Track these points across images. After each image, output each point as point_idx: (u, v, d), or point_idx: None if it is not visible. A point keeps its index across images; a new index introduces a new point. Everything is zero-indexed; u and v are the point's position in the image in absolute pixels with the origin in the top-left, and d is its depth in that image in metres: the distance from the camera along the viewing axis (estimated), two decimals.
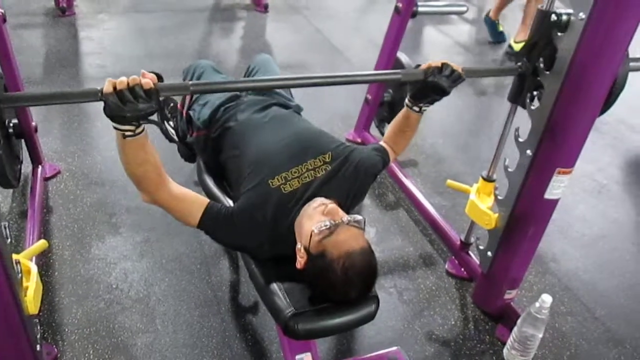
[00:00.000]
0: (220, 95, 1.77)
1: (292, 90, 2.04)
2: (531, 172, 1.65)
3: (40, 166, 2.40)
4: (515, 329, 1.76)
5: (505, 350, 1.82)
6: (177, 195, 1.38)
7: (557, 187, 1.62)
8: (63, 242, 2.09)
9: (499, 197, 1.81)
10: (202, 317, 1.85)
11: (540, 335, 1.71)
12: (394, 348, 1.75)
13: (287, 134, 1.57)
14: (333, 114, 3.12)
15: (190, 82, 1.27)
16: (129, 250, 2.08)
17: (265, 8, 4.58)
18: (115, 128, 1.20)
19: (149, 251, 2.09)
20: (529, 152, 1.62)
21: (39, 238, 2.03)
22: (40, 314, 1.74)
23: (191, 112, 1.82)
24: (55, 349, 1.68)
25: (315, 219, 1.32)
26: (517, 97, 1.68)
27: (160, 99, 1.20)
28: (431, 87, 1.47)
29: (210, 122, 1.73)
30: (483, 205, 1.87)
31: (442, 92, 1.49)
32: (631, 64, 1.64)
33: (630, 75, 1.71)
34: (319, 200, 1.39)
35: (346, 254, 1.25)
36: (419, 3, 2.41)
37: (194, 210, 1.39)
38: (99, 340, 1.73)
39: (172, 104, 2.26)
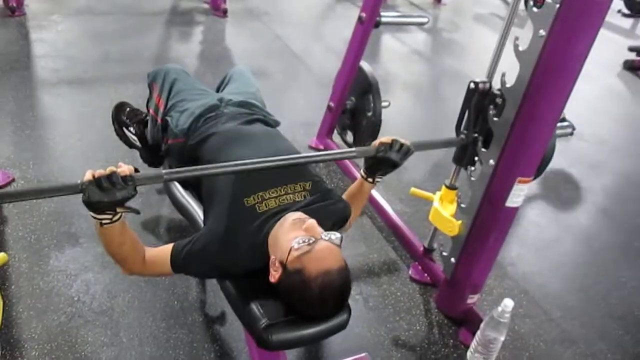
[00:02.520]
0: (201, 104, 1.75)
1: (251, 83, 2.06)
2: (493, 181, 1.71)
3: None
4: (478, 332, 1.82)
5: (468, 354, 1.88)
6: (150, 261, 1.41)
7: (518, 195, 1.69)
8: (19, 254, 2.01)
9: (462, 205, 1.87)
10: (168, 329, 1.82)
11: (502, 338, 1.77)
12: (363, 354, 1.77)
13: (269, 153, 1.55)
14: (294, 120, 3.13)
15: (164, 171, 1.32)
16: (90, 262, 2.03)
17: (224, 13, 4.55)
18: (94, 217, 1.25)
19: (111, 262, 1.95)
20: (491, 161, 1.68)
21: None
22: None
23: (168, 119, 1.78)
24: None
25: (293, 233, 1.31)
26: (461, 161, 1.86)
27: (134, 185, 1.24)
28: (382, 162, 1.56)
29: (188, 131, 1.71)
30: (446, 213, 1.92)
31: (394, 166, 1.57)
32: (559, 131, 1.78)
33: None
34: (296, 214, 1.38)
35: (324, 273, 1.26)
36: (382, 13, 2.45)
37: (164, 264, 1.41)
38: (61, 355, 1.68)
39: (128, 109, 2.21)
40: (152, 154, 2.06)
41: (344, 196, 1.70)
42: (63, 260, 2.02)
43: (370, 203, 2.56)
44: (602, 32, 1.44)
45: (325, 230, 1.35)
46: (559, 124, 1.67)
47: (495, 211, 1.74)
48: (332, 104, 2.79)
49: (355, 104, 2.77)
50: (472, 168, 1.81)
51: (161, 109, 1.85)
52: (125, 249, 1.35)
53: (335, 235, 1.33)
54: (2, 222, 2.15)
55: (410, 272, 2.23)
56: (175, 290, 1.96)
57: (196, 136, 1.70)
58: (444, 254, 1.97)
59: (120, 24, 4.17)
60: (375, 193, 2.56)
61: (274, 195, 1.46)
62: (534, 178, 1.72)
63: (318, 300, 1.28)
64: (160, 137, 1.85)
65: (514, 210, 1.74)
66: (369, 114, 2.64)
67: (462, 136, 1.77)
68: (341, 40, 2.62)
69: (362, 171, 1.65)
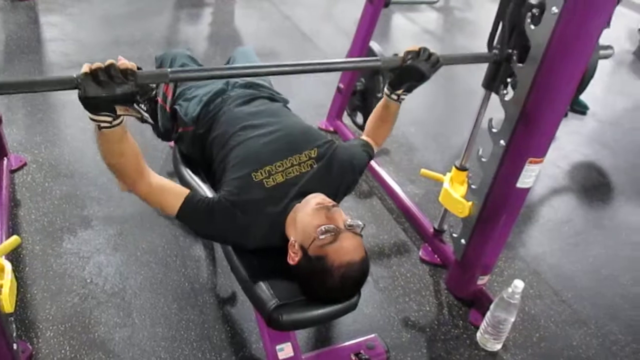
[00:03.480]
0: (208, 91, 1.74)
1: (255, 62, 2.03)
2: (504, 162, 1.69)
3: (5, 158, 2.32)
4: (488, 313, 1.82)
5: (478, 334, 1.88)
6: (156, 187, 1.36)
7: (529, 176, 1.67)
8: (33, 237, 2.04)
9: (473, 186, 1.85)
10: (180, 310, 1.84)
11: (512, 319, 1.77)
12: (372, 335, 1.78)
13: (274, 128, 1.55)
14: (304, 102, 3.10)
15: (169, 70, 1.23)
16: (102, 244, 2.05)
17: None
18: (91, 119, 1.16)
19: (122, 244, 2.06)
20: (502, 142, 1.66)
21: (8, 233, 1.97)
22: (14, 311, 1.70)
23: (177, 107, 1.78)
24: (30, 347, 1.64)
25: (317, 220, 1.31)
26: (492, 84, 1.71)
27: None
28: (410, 71, 1.48)
29: (198, 119, 1.71)
30: (457, 194, 1.91)
31: (421, 77, 1.49)
32: (601, 52, 1.67)
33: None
34: (319, 198, 1.37)
35: (347, 265, 1.27)
36: None
37: (173, 201, 1.37)
38: (75, 336, 1.71)
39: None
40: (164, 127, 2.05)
41: (368, 124, 1.71)
42: (76, 243, 2.04)
43: (381, 184, 2.56)
44: (618, 9, 1.41)
45: (343, 192, 1.38)
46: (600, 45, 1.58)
47: (506, 192, 1.73)
48: (342, 86, 2.77)
49: (365, 85, 2.74)
50: (505, 91, 1.68)
51: (169, 97, 1.83)
52: (125, 161, 1.26)
53: (358, 226, 1.33)
54: (15, 206, 2.17)
55: (420, 253, 2.22)
56: (186, 272, 1.98)
57: (204, 123, 1.69)
58: (454, 235, 1.97)
59: (128, 6, 4.15)
60: (385, 174, 2.55)
61: (280, 169, 1.45)
62: (575, 97, 1.62)
63: (337, 287, 1.30)
64: (171, 125, 1.84)
65: (525, 191, 1.72)
66: (379, 95, 2.61)
67: (495, 51, 1.62)
68: (351, 21, 2.58)
69: (385, 89, 1.60)
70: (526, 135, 1.60)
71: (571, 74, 1.49)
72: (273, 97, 1.81)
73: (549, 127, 1.60)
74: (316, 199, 1.37)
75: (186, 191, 1.40)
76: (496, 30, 1.63)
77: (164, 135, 1.92)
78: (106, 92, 1.10)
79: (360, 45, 2.59)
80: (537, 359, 1.85)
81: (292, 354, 1.57)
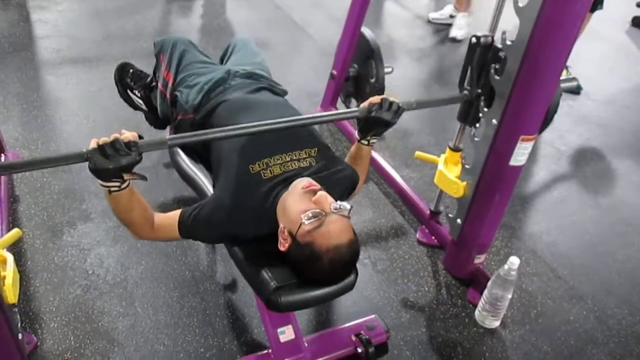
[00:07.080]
0: (209, 79, 1.75)
1: (255, 52, 2.06)
2: (496, 141, 1.71)
3: (2, 155, 2.34)
4: (485, 291, 1.84)
5: (476, 312, 1.91)
6: (157, 227, 1.43)
7: (522, 154, 1.69)
8: (33, 231, 2.06)
9: (467, 166, 1.87)
10: (181, 298, 1.86)
11: (509, 296, 1.80)
12: (371, 316, 1.81)
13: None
14: (299, 90, 3.12)
15: (168, 138, 1.34)
16: (102, 236, 2.07)
17: None
18: (102, 185, 1.27)
19: (122, 235, 2.08)
20: (494, 121, 1.68)
21: (8, 228, 1.99)
22: (18, 303, 1.72)
23: (177, 94, 1.78)
24: (35, 338, 1.67)
25: (303, 205, 1.31)
26: (465, 119, 1.85)
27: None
28: (375, 122, 1.54)
29: (199, 106, 1.71)
30: (451, 175, 1.93)
31: (386, 124, 1.56)
32: (563, 85, 1.79)
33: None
34: (306, 181, 1.37)
35: (335, 248, 1.28)
36: None
37: (172, 230, 1.43)
38: (78, 326, 1.73)
39: (131, 71, 2.21)
40: (157, 116, 2.06)
41: None
42: (76, 236, 2.06)
43: (377, 169, 2.57)
44: None
45: (336, 198, 1.36)
46: (563, 77, 1.68)
47: (500, 170, 1.75)
48: (334, 72, 2.78)
49: (358, 71, 2.76)
50: (478, 125, 1.79)
51: (170, 84, 1.84)
52: (134, 215, 1.37)
53: (344, 207, 1.32)
54: (14, 201, 2.19)
55: (417, 235, 2.25)
56: (187, 260, 2.00)
57: (204, 110, 1.70)
58: (450, 215, 1.99)
59: (119, 1, 4.14)
60: (381, 159, 2.57)
61: (278, 162, 1.47)
62: (539, 133, 1.72)
63: (327, 270, 1.31)
64: (170, 112, 1.85)
65: (519, 169, 1.74)
66: (372, 80, 2.63)
67: (465, 92, 1.75)
68: (342, 8, 2.59)
69: (356, 135, 1.63)
70: (518, 113, 1.63)
71: (560, 51, 1.50)
72: (273, 88, 1.82)
73: (539, 104, 1.61)
74: (302, 183, 1.37)
75: (177, 214, 1.43)
76: (466, 73, 1.75)
77: (159, 123, 1.92)
78: (113, 163, 1.22)
79: (352, 32, 2.59)
80: (535, 334, 1.88)
81: (293, 336, 1.60)
